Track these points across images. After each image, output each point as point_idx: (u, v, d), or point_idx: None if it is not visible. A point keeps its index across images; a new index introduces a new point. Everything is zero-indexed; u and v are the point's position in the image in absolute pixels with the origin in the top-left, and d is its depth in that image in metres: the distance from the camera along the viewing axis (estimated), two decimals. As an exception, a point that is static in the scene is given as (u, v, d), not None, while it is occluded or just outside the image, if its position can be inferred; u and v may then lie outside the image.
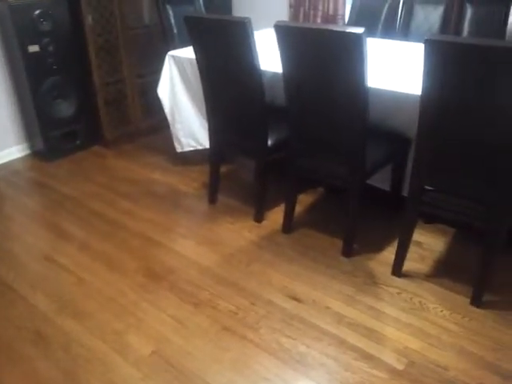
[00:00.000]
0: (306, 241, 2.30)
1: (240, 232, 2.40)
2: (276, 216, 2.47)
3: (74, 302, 1.99)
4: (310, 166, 2.19)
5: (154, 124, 3.50)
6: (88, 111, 3.34)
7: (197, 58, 2.31)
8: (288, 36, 1.88)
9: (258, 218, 2.46)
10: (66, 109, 3.24)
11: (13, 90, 3.23)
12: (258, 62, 2.07)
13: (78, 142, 3.38)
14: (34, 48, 2.98)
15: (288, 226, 2.35)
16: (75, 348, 1.76)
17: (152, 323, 1.86)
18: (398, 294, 1.95)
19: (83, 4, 3.01)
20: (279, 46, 1.92)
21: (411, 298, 1.92)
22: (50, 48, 3.05)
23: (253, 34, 2.00)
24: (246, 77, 2.14)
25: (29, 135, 3.37)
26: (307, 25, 2.52)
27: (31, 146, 3.41)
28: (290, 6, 3.74)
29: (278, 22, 1.88)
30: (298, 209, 2.46)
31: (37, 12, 2.93)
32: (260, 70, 2.10)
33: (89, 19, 3.08)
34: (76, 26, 3.10)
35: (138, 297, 1.99)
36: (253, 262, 2.18)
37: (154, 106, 3.06)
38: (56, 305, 1.98)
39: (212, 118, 2.47)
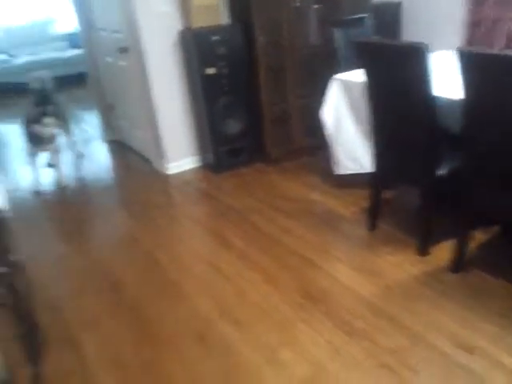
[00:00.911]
0: (477, 284, 2.09)
1: (401, 265, 2.28)
2: (441, 252, 2.29)
3: (232, 309, 2.11)
4: (488, 202, 1.99)
5: (313, 144, 3.55)
6: (254, 129, 3.55)
7: (366, 82, 2.31)
8: (472, 62, 1.75)
9: (422, 252, 2.31)
10: (234, 127, 3.49)
11: (191, 108, 3.60)
12: (431, 87, 2.00)
13: (242, 158, 3.61)
14: (210, 70, 3.28)
15: (457, 265, 2.16)
16: (233, 355, 1.86)
17: (307, 344, 1.87)
18: None
19: (257, 28, 3.21)
20: (462, 73, 1.81)
21: None
22: (224, 70, 3.32)
23: (429, 59, 1.94)
24: (418, 102, 2.07)
25: (201, 149, 3.72)
26: (496, 51, 2.32)
27: (202, 159, 3.75)
28: (470, 25, 3.48)
29: (460, 48, 1.77)
30: (470, 246, 2.23)
31: (215, 38, 3.23)
32: (433, 95, 2.03)
33: (260, 40, 3.25)
34: (248, 50, 3.32)
35: (294, 315, 2.03)
36: (415, 298, 2.05)
37: (314, 127, 3.11)
38: (216, 310, 2.12)
39: (378, 142, 2.41)
